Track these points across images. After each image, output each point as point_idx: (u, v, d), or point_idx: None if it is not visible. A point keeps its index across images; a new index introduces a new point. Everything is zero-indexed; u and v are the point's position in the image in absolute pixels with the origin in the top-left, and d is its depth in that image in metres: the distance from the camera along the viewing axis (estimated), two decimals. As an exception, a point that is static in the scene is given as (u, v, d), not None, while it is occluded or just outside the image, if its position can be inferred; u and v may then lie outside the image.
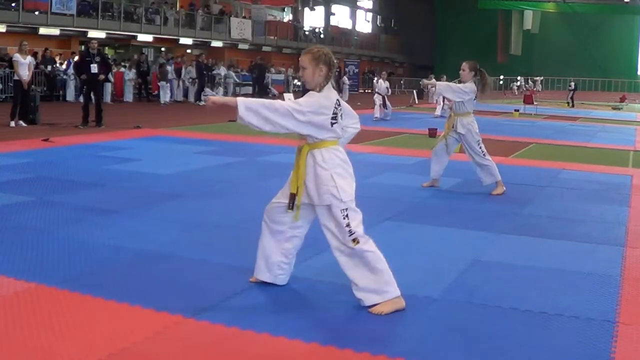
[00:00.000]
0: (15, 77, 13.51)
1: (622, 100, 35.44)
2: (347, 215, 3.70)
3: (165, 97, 23.36)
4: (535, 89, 40.03)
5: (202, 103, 23.16)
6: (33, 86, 14.42)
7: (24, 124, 13.11)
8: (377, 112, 19.23)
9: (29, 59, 13.58)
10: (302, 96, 3.85)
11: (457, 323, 3.61)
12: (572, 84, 32.73)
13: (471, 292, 4.11)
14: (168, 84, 23.69)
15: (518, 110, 22.74)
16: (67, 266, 4.31)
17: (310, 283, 4.18)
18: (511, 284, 4.33)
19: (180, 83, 24.72)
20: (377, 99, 19.50)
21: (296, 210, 3.87)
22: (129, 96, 23.33)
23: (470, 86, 7.32)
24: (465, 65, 7.44)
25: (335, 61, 3.78)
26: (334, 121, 3.69)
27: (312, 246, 4.78)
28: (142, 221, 5.63)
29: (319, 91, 3.72)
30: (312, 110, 3.63)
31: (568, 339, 3.45)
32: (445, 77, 21.91)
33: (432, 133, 13.82)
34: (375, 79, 21.62)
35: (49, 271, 4.18)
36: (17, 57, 13.35)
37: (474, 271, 4.57)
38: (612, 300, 4.04)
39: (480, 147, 7.55)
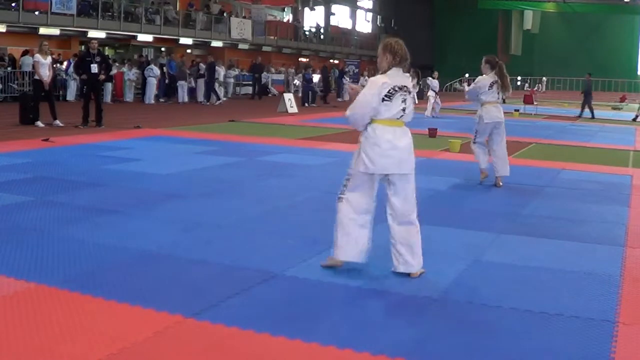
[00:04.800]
0: (36, 77, 13.51)
1: (622, 100, 35.44)
2: (346, 179, 4.38)
3: (183, 96, 23.58)
4: (536, 89, 40.06)
5: (218, 102, 23.26)
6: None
7: (60, 124, 13.16)
8: (429, 111, 19.37)
9: (49, 59, 13.60)
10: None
11: (457, 323, 3.61)
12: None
13: (471, 292, 4.11)
14: (186, 84, 23.93)
15: (518, 110, 22.75)
16: (67, 266, 4.31)
17: (311, 283, 4.18)
18: (511, 284, 4.33)
19: (197, 83, 24.71)
20: (431, 97, 19.60)
21: None
22: (129, 96, 23.33)
23: (481, 78, 7.99)
24: (483, 59, 8.10)
25: (403, 51, 4.30)
26: (386, 99, 4.22)
27: (312, 246, 4.78)
28: (142, 221, 5.63)
29: (382, 74, 4.31)
30: (368, 87, 4.29)
31: (568, 339, 3.45)
32: (437, 73, 21.80)
33: (432, 133, 13.81)
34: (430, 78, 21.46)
35: (49, 271, 4.18)
36: (38, 57, 13.37)
37: (474, 271, 4.57)
38: (612, 300, 4.04)
39: (475, 134, 8.18)
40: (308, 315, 3.65)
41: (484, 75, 8.00)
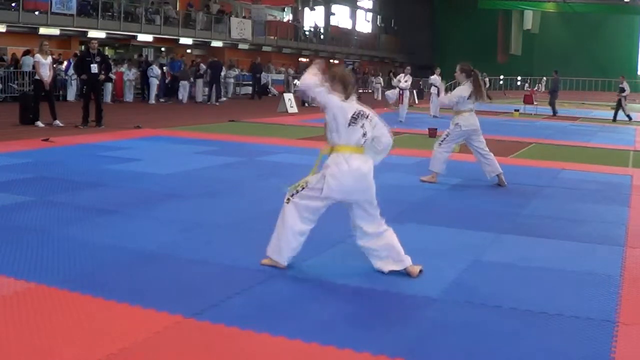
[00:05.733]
0: (36, 77, 13.50)
1: (622, 100, 35.37)
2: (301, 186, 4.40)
3: (184, 96, 23.65)
4: (535, 89, 40.04)
5: (218, 102, 23.30)
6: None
7: (60, 124, 13.16)
8: (433, 110, 19.45)
9: (50, 59, 13.59)
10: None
11: (457, 323, 3.61)
12: (486, 79, 32.04)
13: (471, 292, 4.11)
14: (188, 84, 24.02)
15: (518, 110, 22.75)
16: (67, 266, 4.31)
17: (311, 283, 4.18)
18: (511, 284, 4.34)
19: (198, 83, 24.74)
20: (434, 95, 19.52)
21: None
22: (129, 96, 23.33)
23: (459, 90, 8.01)
24: (458, 67, 8.06)
25: (351, 79, 4.38)
26: (352, 123, 4.25)
27: (312, 246, 4.78)
28: (142, 221, 5.63)
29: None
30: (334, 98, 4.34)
31: (568, 339, 3.45)
32: (409, 68, 21.26)
33: (432, 133, 13.81)
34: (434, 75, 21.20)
35: (49, 271, 4.18)
36: (38, 57, 13.36)
37: (474, 271, 4.57)
38: (612, 300, 4.04)
39: (444, 138, 8.14)
40: (308, 315, 3.65)
41: (462, 87, 7.98)
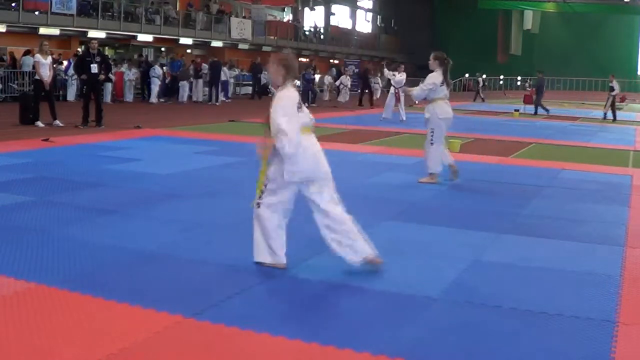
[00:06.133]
0: (36, 77, 13.50)
1: (622, 100, 35.39)
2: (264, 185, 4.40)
3: (183, 96, 23.70)
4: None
5: (218, 103, 23.33)
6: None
7: (60, 124, 13.17)
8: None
9: (50, 59, 13.59)
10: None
11: (457, 323, 3.61)
12: (480, 79, 32.94)
13: (471, 292, 4.11)
14: (187, 83, 24.07)
15: (518, 110, 22.75)
16: (67, 266, 4.31)
17: (310, 283, 4.18)
18: (511, 284, 4.34)
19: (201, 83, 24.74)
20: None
21: None
22: (129, 96, 23.34)
23: (432, 77, 7.89)
24: (432, 55, 8.07)
25: (295, 64, 4.45)
26: (299, 109, 4.32)
27: (312, 246, 4.78)
28: (142, 221, 5.63)
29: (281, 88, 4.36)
30: (285, 106, 4.31)
31: (568, 339, 3.45)
32: (403, 66, 21.10)
33: (432, 133, 13.77)
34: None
35: (49, 271, 4.18)
36: (38, 57, 13.36)
37: (474, 271, 4.57)
38: (612, 300, 4.04)
39: (432, 135, 7.98)
40: (308, 315, 3.65)
41: (434, 73, 7.93)
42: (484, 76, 35.26)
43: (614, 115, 22.35)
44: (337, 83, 28.83)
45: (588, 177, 9.11)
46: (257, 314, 3.62)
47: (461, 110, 24.30)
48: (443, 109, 7.98)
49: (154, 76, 23.18)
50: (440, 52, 8.11)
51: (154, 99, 23.05)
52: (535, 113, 23.19)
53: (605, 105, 22.76)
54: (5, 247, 4.66)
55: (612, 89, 22.71)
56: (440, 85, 7.90)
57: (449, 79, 8.03)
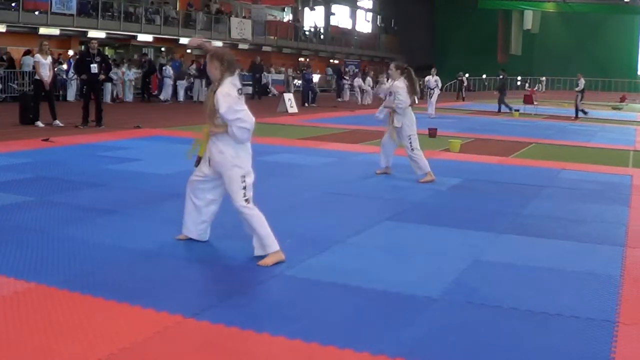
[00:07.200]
0: (36, 77, 13.50)
1: (622, 100, 35.45)
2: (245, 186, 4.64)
3: (182, 96, 24.10)
4: (535, 88, 40.10)
5: None
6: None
7: (60, 124, 13.17)
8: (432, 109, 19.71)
9: (50, 59, 13.59)
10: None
11: (457, 323, 3.61)
12: (464, 77, 33.46)
13: (471, 292, 4.11)
14: (185, 83, 24.48)
15: (518, 110, 22.75)
16: (67, 266, 4.31)
17: (310, 283, 4.18)
18: (511, 284, 4.33)
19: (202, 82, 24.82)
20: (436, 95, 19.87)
21: None
22: (129, 96, 23.35)
23: (401, 90, 8.12)
24: (392, 65, 8.43)
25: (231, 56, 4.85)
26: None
27: (312, 246, 4.78)
28: (142, 221, 5.63)
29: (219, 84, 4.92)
30: (234, 103, 4.86)
31: (568, 339, 3.45)
32: (435, 69, 21.84)
33: (432, 133, 13.81)
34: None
35: (49, 271, 4.18)
36: (38, 57, 13.35)
37: (474, 271, 4.57)
38: (612, 300, 4.04)
39: (410, 142, 8.24)
40: (308, 315, 3.65)
41: (400, 83, 8.16)
42: (467, 75, 35.61)
43: (576, 113, 22.67)
44: (356, 84, 29.30)
45: (588, 177, 9.11)
46: (257, 314, 3.62)
47: (461, 110, 24.32)
48: (411, 117, 8.32)
49: (165, 76, 23.84)
50: (402, 62, 8.49)
51: (169, 97, 23.71)
52: (499, 111, 23.28)
53: (576, 103, 23.08)
54: (5, 247, 4.66)
55: (577, 84, 23.20)
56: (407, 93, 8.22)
57: (416, 87, 8.35)
